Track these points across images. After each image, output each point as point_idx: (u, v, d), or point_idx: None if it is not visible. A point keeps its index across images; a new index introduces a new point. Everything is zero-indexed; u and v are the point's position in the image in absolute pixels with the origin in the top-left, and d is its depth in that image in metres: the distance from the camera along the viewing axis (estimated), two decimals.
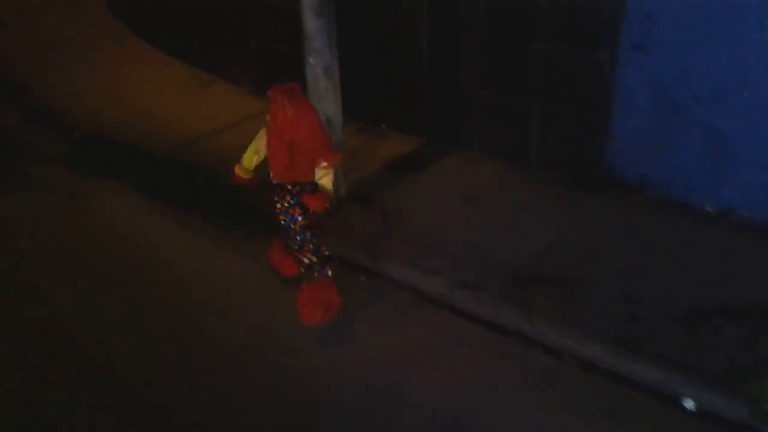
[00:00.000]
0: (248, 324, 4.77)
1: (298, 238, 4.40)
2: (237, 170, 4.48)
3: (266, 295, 5.02)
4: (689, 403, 4.01)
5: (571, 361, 4.35)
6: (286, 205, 4.34)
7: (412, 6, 6.48)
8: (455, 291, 4.87)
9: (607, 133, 5.75)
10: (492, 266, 5.05)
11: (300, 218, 4.35)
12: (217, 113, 7.99)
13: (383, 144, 6.97)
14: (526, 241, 5.32)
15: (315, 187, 4.27)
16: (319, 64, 5.18)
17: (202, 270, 5.37)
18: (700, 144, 5.38)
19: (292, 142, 4.08)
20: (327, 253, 4.53)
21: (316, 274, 4.44)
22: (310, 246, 4.41)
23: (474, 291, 4.83)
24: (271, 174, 4.31)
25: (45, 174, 6.88)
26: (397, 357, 4.45)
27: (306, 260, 4.44)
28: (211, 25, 8.64)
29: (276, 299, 4.92)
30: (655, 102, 5.47)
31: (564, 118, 5.92)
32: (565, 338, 4.43)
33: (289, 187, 4.28)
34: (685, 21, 5.13)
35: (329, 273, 4.49)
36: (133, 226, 6.00)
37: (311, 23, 5.05)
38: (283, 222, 4.43)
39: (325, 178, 4.24)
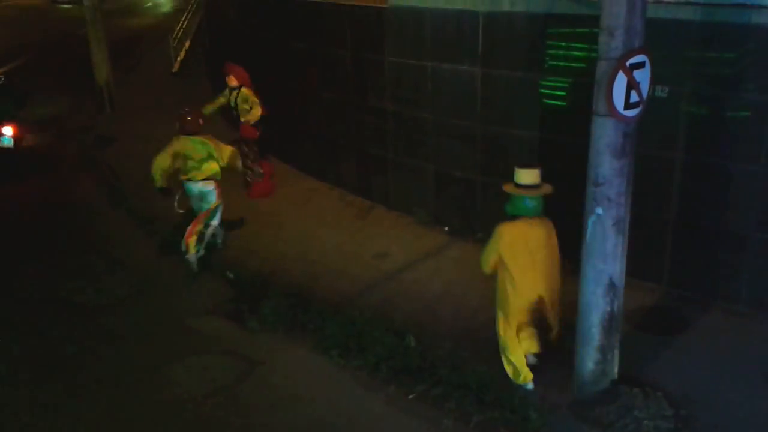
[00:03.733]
0: None
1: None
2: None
3: None
4: None
5: None
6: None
7: (662, 129, 5.35)
8: None
9: None
10: None
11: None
12: (387, 248, 6.88)
13: None
14: None
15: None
16: (611, 216, 4.01)
17: None
18: None
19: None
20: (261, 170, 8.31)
21: (259, 178, 8.25)
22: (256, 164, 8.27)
23: None
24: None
25: (208, 329, 5.75)
26: None
27: (258, 170, 8.23)
28: (370, 145, 7.66)
29: None
30: None
31: None
32: None
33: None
34: None
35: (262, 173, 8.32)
36: (334, 410, 4.75)
37: (607, 166, 3.91)
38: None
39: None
